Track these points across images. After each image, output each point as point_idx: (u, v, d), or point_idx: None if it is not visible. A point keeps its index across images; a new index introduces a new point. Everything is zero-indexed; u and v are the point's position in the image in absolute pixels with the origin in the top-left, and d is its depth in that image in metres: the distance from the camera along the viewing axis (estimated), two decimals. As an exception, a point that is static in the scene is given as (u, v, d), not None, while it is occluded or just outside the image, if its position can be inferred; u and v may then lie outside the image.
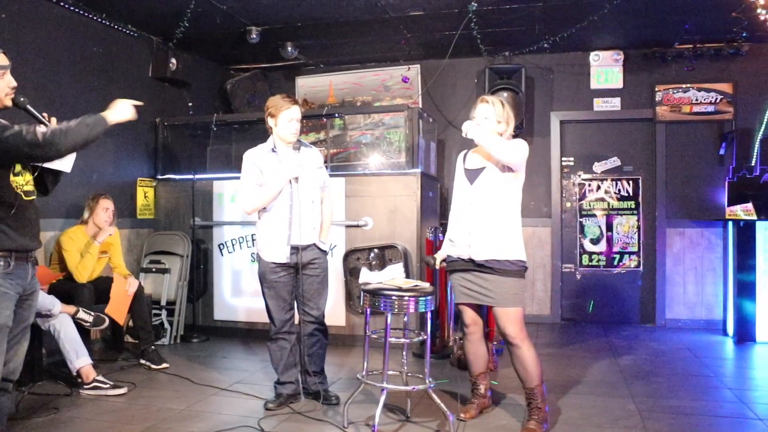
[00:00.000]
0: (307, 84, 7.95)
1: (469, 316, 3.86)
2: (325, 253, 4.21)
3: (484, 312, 3.95)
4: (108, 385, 4.43)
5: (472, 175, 3.76)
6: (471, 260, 3.68)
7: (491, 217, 3.64)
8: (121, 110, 2.84)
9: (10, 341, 2.76)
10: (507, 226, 3.65)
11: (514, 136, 3.90)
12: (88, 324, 4.67)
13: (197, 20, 6.01)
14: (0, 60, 2.65)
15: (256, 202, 4.04)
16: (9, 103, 2.70)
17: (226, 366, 5.30)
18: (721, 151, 6.87)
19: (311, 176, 4.13)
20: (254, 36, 6.42)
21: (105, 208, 5.15)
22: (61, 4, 5.42)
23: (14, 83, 2.70)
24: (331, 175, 5.93)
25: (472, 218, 3.70)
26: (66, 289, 4.85)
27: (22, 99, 2.72)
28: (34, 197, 2.82)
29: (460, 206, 3.82)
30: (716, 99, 6.91)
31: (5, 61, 2.67)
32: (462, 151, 3.97)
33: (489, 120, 3.67)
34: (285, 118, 4.01)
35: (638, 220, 7.28)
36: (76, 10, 5.61)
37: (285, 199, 4.01)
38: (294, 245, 4.02)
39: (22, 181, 2.77)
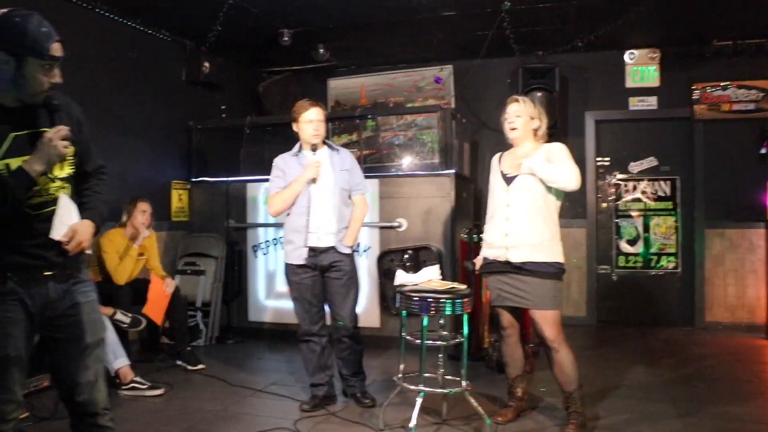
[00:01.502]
0: (339, 86, 7.96)
1: (506, 318, 3.82)
2: (348, 256, 4.13)
3: (521, 314, 3.89)
4: (145, 386, 4.47)
5: (510, 176, 3.73)
6: (508, 262, 3.64)
7: (528, 218, 3.60)
8: (45, 153, 2.21)
9: (69, 366, 2.39)
10: (544, 227, 3.61)
11: (549, 136, 3.86)
12: (126, 325, 4.72)
13: (230, 24, 6.04)
14: (54, 50, 2.20)
15: (278, 205, 4.13)
16: (40, 99, 2.24)
17: (261, 367, 5.31)
18: (763, 150, 6.71)
19: (334, 178, 4.11)
20: (286, 38, 6.44)
21: (143, 211, 5.20)
22: (97, 9, 5.50)
23: (59, 80, 2.25)
24: (364, 177, 5.96)
25: (509, 220, 3.66)
26: (104, 291, 4.87)
27: (55, 102, 2.26)
28: (50, 209, 2.30)
29: (496, 208, 3.78)
30: (757, 96, 6.75)
31: (59, 52, 2.21)
32: (497, 153, 3.94)
33: (522, 118, 3.70)
34: (304, 120, 4.09)
35: (676, 221, 7.14)
36: (111, 15, 5.68)
37: (304, 201, 4.04)
38: (311, 247, 4.04)
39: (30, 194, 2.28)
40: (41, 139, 2.21)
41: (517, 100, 3.77)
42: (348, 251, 4.11)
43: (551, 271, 3.58)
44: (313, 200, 4.03)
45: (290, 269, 4.14)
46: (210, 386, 4.72)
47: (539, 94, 6.67)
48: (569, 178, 3.53)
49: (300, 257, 4.06)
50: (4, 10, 2.15)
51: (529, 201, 3.62)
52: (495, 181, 3.84)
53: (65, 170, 2.35)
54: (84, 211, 2.41)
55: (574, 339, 6.29)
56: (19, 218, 2.25)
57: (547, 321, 3.58)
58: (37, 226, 2.28)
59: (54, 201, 2.32)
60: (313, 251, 4.04)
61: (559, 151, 3.66)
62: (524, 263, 3.59)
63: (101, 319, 2.55)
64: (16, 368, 2.26)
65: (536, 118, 3.74)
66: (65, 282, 2.38)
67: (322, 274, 4.10)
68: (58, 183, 2.33)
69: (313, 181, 4.03)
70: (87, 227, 2.37)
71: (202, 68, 6.66)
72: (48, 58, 2.18)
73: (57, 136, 2.21)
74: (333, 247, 4.05)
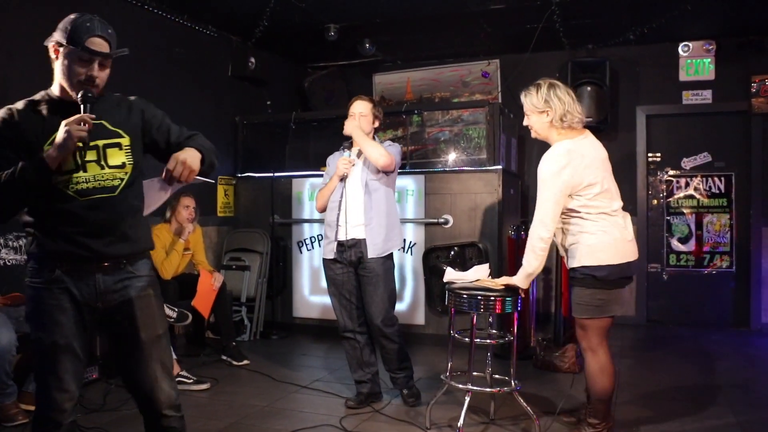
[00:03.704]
0: (384, 81, 7.90)
1: None
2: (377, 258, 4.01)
3: None
4: (192, 380, 4.49)
5: None
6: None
7: (564, 225, 3.37)
8: (60, 139, 2.16)
9: (127, 361, 2.38)
10: (574, 232, 3.31)
11: (595, 128, 3.52)
12: (172, 320, 4.74)
13: (276, 19, 6.04)
14: (92, 43, 2.22)
15: (317, 201, 4.24)
16: (77, 95, 2.23)
17: (306, 363, 5.30)
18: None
19: (361, 173, 4.05)
20: (332, 33, 6.41)
21: (186, 206, 5.22)
22: (146, 6, 5.55)
23: (96, 74, 2.25)
24: (409, 172, 5.91)
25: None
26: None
27: (90, 95, 2.23)
28: (98, 195, 2.27)
29: None
30: (819, 89, 6.49)
31: (98, 47, 2.23)
32: None
33: (530, 119, 3.42)
34: (350, 114, 4.11)
35: (731, 219, 6.92)
36: (160, 12, 5.73)
37: (336, 197, 4.07)
38: (340, 241, 4.03)
39: (79, 179, 2.27)
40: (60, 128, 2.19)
41: (521, 98, 3.46)
42: (374, 256, 3.98)
43: (573, 276, 3.34)
44: (344, 196, 4.03)
45: (325, 264, 4.17)
46: (255, 382, 4.73)
47: (589, 88, 6.53)
48: (532, 245, 3.26)
49: (331, 252, 4.07)
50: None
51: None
52: None
53: (119, 158, 2.34)
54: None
55: (623, 339, 6.18)
56: (64, 203, 2.24)
57: (577, 324, 3.40)
58: (84, 213, 2.26)
59: (105, 189, 2.30)
60: (341, 245, 4.03)
61: (538, 172, 3.30)
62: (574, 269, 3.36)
63: (160, 315, 2.46)
64: (66, 357, 2.26)
65: (544, 110, 3.34)
66: (114, 274, 2.34)
67: (356, 270, 4.06)
68: (109, 171, 2.32)
69: (344, 177, 4.03)
70: (191, 152, 2.31)
71: (248, 63, 6.68)
72: (83, 49, 2.21)
73: (72, 122, 2.16)
74: (362, 242, 3.98)
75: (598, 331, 3.31)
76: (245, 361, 5.16)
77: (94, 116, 2.22)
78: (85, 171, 2.27)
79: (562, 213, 3.31)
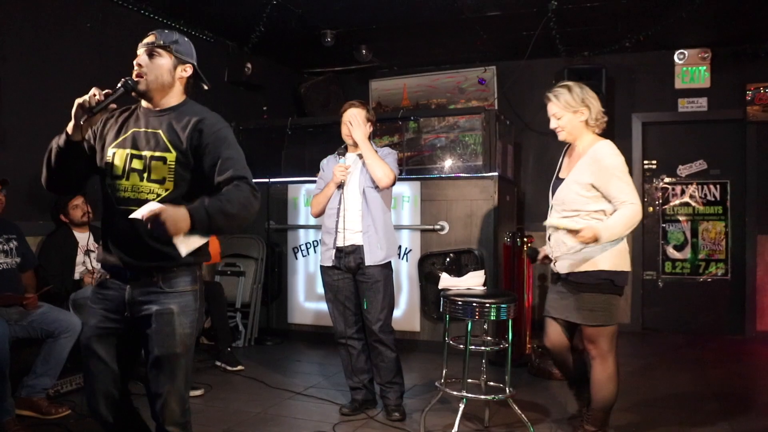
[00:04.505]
0: (380, 87, 7.91)
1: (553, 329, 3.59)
2: (376, 265, 3.97)
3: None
4: (185, 386, 4.46)
5: (556, 184, 3.46)
6: (558, 273, 3.41)
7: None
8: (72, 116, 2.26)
9: (147, 370, 2.36)
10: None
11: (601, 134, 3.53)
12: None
13: (272, 24, 6.04)
14: (148, 37, 2.37)
15: (314, 207, 4.20)
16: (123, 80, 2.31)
17: (300, 370, 5.29)
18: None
19: (359, 180, 4.02)
20: (329, 39, 6.41)
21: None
22: (143, 12, 5.54)
23: (136, 62, 2.35)
24: (406, 179, 5.89)
25: (552, 230, 3.43)
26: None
27: (129, 81, 2.32)
28: (131, 206, 2.24)
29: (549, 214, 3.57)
30: (814, 98, 6.51)
31: (146, 39, 2.38)
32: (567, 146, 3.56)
33: (562, 118, 3.32)
34: (343, 121, 4.10)
35: (726, 227, 6.93)
36: (156, 17, 5.72)
37: (334, 203, 4.04)
38: (338, 247, 4.00)
39: (120, 185, 2.33)
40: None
41: (549, 99, 3.35)
42: (373, 263, 3.95)
43: (585, 282, 3.27)
44: (342, 203, 4.00)
45: (323, 271, 4.14)
46: (249, 388, 4.71)
47: (585, 95, 6.53)
48: (632, 217, 3.18)
49: (329, 258, 4.04)
50: None
51: (569, 213, 3.32)
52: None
53: (160, 173, 2.31)
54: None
55: (618, 346, 6.12)
56: (109, 209, 2.38)
57: (586, 333, 3.33)
58: (118, 221, 2.31)
59: (138, 201, 2.27)
60: (340, 251, 4.01)
61: (605, 165, 3.23)
62: (568, 274, 3.33)
63: (182, 334, 2.34)
64: (87, 354, 2.38)
65: (578, 109, 3.27)
66: (143, 287, 2.33)
67: (354, 276, 4.04)
68: (147, 184, 2.31)
69: (341, 184, 4.01)
70: (178, 210, 2.05)
71: (245, 69, 6.67)
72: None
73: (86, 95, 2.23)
74: (360, 248, 3.95)
75: (608, 337, 3.30)
76: (239, 367, 5.14)
77: (110, 91, 2.26)
78: (127, 180, 2.32)
79: (586, 213, 3.27)
